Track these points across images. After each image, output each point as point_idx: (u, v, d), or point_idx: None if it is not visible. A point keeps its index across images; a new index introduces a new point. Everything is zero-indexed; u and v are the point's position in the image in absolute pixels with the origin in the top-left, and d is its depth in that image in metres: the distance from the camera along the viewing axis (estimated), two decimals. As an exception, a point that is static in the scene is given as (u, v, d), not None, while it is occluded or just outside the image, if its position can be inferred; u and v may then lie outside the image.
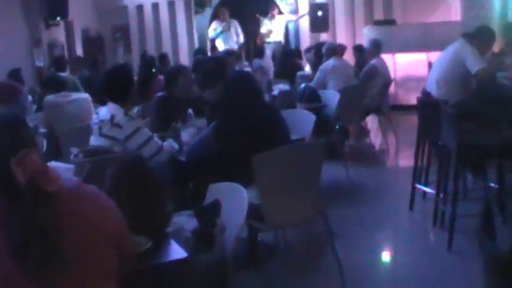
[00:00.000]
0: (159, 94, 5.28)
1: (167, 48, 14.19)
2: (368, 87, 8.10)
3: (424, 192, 5.57)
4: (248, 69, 10.60)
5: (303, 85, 7.61)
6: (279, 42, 13.11)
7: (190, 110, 4.71)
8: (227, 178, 3.24)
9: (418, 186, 5.44)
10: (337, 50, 8.57)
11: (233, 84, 4.15)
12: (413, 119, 9.11)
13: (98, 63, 10.82)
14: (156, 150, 4.01)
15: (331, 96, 6.95)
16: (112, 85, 4.11)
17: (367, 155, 8.39)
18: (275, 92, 6.73)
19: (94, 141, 4.08)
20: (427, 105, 5.33)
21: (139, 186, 2.31)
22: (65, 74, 8.29)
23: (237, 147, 3.85)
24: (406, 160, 7.71)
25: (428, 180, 5.48)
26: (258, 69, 10.78)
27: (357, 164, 7.38)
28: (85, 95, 6.15)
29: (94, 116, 4.17)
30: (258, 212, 3.56)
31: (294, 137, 4.51)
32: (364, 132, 9.20)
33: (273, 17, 13.22)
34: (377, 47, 8.68)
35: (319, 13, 12.54)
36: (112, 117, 3.95)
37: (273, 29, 13.18)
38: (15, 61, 10.07)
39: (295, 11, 13.74)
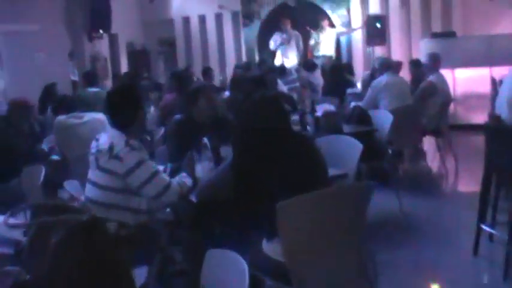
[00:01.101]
0: (177, 117, 4.53)
1: (214, 62, 13.93)
2: (425, 106, 7.35)
3: (491, 234, 4.73)
4: (296, 84, 9.96)
5: (352, 104, 6.90)
6: (329, 57, 12.36)
7: (205, 139, 3.90)
8: (244, 228, 2.53)
9: (484, 227, 4.61)
10: (392, 65, 7.82)
11: (255, 109, 3.27)
12: (475, 141, 8.36)
13: (136, 77, 10.28)
14: (162, 188, 3.32)
15: (384, 117, 6.24)
16: (113, 109, 3.44)
17: (423, 182, 7.51)
18: (318, 112, 5.95)
19: (92, 175, 3.42)
20: (497, 132, 4.52)
21: (92, 262, 1.62)
22: (95, 90, 7.74)
23: (257, 189, 3.06)
24: (467, 188, 6.92)
25: (496, 219, 4.66)
26: (307, 85, 10.15)
27: (411, 192, 6.52)
28: (99, 115, 5.48)
29: (93, 144, 3.48)
30: (282, 272, 2.83)
31: (334, 171, 3.70)
32: (420, 155, 8.35)
33: (322, 29, 12.50)
34: (435, 61, 7.89)
35: (378, 25, 11.71)
36: (111, 147, 3.29)
37: (321, 42, 12.46)
38: (56, 74, 9.96)
39: (347, 24, 13.03)
